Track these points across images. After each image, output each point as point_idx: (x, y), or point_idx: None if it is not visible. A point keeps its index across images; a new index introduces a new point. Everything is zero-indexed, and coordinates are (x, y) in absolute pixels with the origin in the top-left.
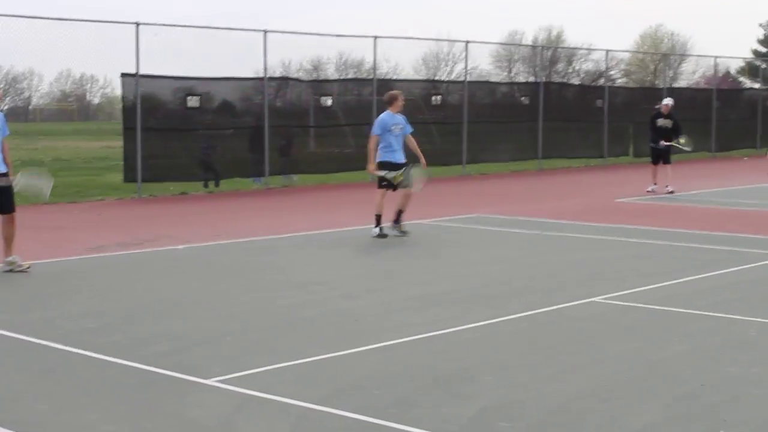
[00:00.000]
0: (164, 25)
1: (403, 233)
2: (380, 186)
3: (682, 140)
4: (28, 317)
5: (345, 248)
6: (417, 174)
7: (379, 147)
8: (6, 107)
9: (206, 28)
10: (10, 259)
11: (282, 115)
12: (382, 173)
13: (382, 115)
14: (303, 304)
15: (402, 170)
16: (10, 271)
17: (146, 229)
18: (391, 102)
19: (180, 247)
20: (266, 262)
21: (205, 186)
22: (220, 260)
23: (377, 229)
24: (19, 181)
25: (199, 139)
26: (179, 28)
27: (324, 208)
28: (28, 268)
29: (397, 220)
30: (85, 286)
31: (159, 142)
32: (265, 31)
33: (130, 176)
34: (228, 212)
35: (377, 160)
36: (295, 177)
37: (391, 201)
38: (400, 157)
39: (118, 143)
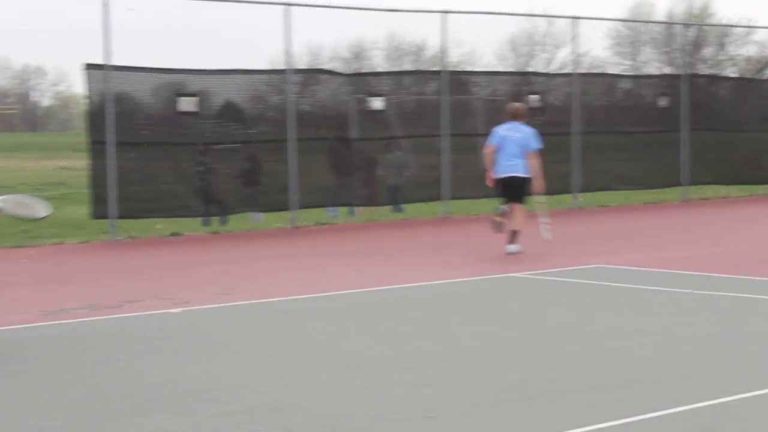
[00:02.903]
0: None
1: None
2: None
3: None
4: None
5: (409, 313)
6: None
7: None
8: None
9: (202, 0)
10: None
11: (310, 123)
12: None
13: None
14: (352, 393)
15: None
16: None
17: (125, 284)
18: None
19: (175, 311)
20: (297, 332)
21: (207, 224)
22: (231, 330)
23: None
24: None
25: (195, 158)
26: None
27: (376, 255)
28: None
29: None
30: (42, 367)
31: (140, 162)
32: (287, 5)
33: (99, 210)
34: (240, 261)
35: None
36: (334, 212)
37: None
38: None
39: (80, 163)
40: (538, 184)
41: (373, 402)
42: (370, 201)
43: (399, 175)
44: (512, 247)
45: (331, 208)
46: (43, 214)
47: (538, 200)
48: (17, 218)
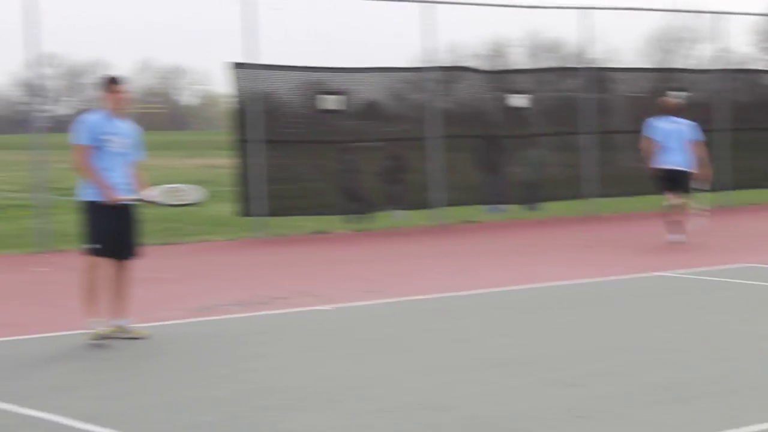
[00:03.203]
0: None
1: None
2: None
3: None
4: (119, 406)
5: (556, 312)
6: None
7: None
8: (67, 110)
9: None
10: (120, 322)
11: (451, 120)
12: None
13: None
14: (501, 391)
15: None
16: (122, 338)
17: (273, 281)
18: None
19: (323, 308)
20: (445, 330)
21: (350, 221)
22: (380, 327)
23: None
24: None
25: (339, 156)
26: None
27: (521, 254)
28: (144, 336)
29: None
30: (194, 363)
31: (284, 160)
32: (430, 2)
33: (245, 208)
34: (386, 259)
35: None
36: (496, 209)
37: None
38: None
39: (224, 161)
40: (703, 172)
41: (522, 400)
42: (509, 199)
43: (538, 172)
44: (675, 237)
45: (489, 206)
46: (195, 200)
47: (698, 188)
48: (170, 206)
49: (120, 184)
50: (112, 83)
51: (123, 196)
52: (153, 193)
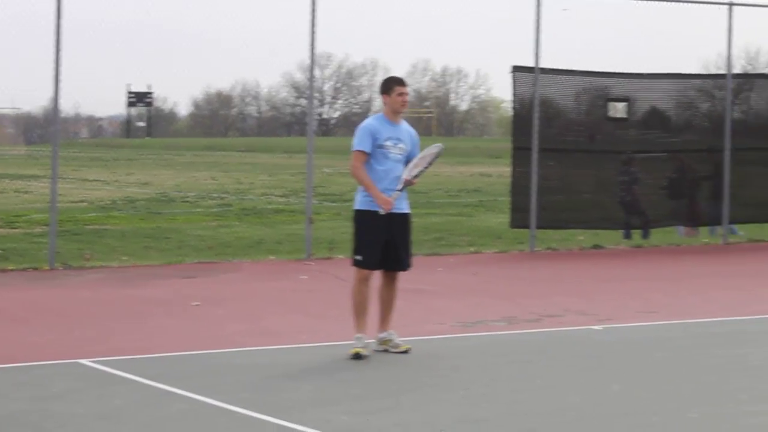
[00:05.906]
0: None
1: None
2: None
3: None
4: (379, 422)
5: None
6: None
7: None
8: (337, 113)
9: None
10: (384, 335)
11: (741, 131)
12: None
13: None
14: None
15: None
16: (385, 351)
17: (544, 298)
18: None
19: (597, 327)
20: (727, 356)
21: (628, 237)
22: (653, 351)
23: None
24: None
25: (619, 167)
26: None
27: None
28: (407, 350)
29: None
30: (458, 379)
31: (559, 170)
32: (731, 5)
33: (519, 219)
34: (664, 278)
35: None
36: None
37: None
38: None
39: (494, 170)
40: None
41: None
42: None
43: None
44: None
45: None
46: (436, 150)
47: None
48: (425, 171)
49: (392, 192)
50: (394, 84)
51: (395, 206)
52: (408, 174)
